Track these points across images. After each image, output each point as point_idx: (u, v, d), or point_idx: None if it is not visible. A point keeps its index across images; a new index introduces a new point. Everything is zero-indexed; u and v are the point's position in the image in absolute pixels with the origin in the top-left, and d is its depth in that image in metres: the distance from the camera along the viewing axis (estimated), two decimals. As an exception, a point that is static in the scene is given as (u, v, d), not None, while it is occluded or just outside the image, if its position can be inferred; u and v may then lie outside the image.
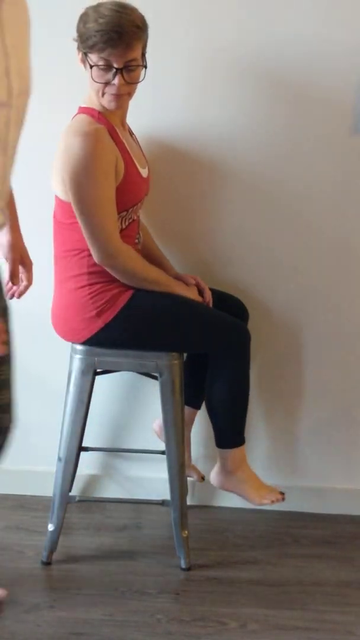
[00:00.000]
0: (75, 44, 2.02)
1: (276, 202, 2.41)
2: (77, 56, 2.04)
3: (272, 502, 2.23)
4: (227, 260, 2.47)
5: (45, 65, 2.26)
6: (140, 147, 2.23)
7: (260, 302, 2.51)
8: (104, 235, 2.00)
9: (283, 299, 2.49)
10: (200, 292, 2.24)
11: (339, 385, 2.58)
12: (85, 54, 2.01)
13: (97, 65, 1.98)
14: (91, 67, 1.99)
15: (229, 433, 2.23)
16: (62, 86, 2.31)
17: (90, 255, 2.07)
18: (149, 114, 2.28)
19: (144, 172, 2.17)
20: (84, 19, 1.98)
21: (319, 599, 2.18)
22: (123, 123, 2.16)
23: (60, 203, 2.10)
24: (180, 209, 2.43)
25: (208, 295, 2.23)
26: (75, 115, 2.09)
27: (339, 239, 2.44)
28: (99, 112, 2.06)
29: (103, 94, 2.03)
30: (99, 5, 1.99)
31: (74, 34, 2.02)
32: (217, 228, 2.44)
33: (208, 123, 2.33)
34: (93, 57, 1.99)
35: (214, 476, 2.27)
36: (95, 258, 2.03)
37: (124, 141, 2.09)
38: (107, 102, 2.04)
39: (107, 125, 2.04)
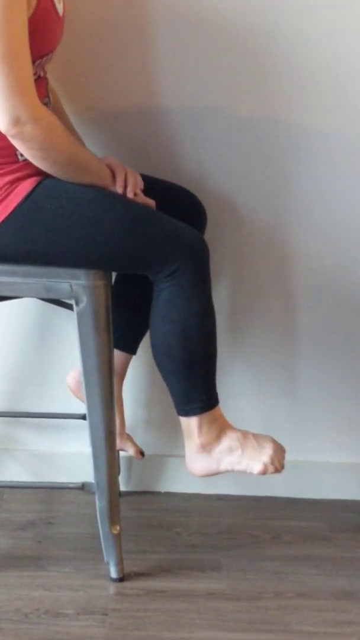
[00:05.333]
0: None
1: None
2: None
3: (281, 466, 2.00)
4: (174, 135, 2.22)
5: None
6: None
7: (224, 197, 2.26)
8: (17, 89, 1.74)
9: (258, 191, 2.25)
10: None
11: (344, 320, 2.34)
12: None
13: None
14: None
15: (191, 393, 1.99)
16: None
17: None
18: None
19: (59, 8, 1.89)
20: None
21: (308, 617, 1.97)
22: None
23: None
24: (106, 63, 2.13)
25: (135, 183, 1.97)
26: None
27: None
28: None
29: None
30: None
31: None
32: (159, 94, 2.17)
33: None
34: None
35: (187, 462, 2.05)
36: (2, 123, 1.77)
37: None
38: None
39: None
